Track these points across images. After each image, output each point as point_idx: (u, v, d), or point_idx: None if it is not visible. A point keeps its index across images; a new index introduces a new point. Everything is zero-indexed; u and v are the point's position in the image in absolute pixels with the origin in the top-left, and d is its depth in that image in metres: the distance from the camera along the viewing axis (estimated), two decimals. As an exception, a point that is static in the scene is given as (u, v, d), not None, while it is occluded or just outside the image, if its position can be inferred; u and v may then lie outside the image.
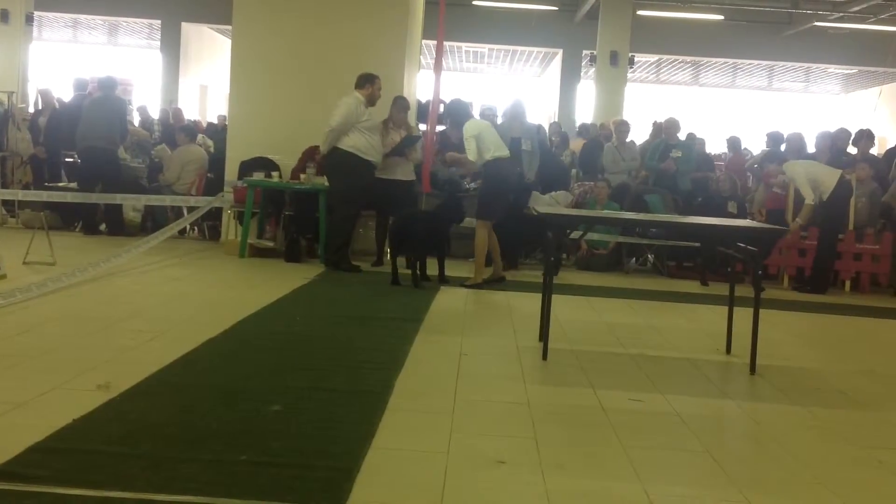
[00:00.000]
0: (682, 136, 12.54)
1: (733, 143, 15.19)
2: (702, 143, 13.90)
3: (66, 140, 11.98)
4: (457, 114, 9.91)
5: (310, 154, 10.34)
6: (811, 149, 12.04)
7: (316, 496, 3.26)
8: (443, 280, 8.96)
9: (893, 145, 12.02)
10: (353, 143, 9.34)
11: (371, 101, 9.49)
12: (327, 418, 4.20)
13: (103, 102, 11.52)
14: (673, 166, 11.66)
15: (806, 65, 26.08)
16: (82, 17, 25.39)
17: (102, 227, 11.43)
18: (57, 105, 13.70)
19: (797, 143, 11.87)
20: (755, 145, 17.41)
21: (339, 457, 3.67)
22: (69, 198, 10.99)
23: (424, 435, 4.10)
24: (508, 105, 11.02)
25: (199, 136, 13.84)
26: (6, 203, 12.07)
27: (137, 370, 4.78)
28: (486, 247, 8.95)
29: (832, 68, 26.53)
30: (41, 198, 11.21)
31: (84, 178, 11.50)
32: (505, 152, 9.10)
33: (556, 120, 19.60)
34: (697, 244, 10.72)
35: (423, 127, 11.37)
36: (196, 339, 5.65)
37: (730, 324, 6.45)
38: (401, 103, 10.14)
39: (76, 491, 3.15)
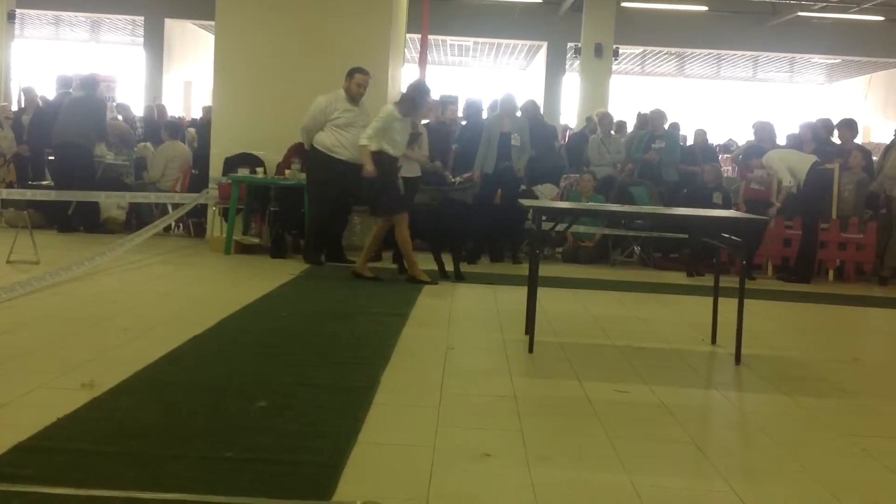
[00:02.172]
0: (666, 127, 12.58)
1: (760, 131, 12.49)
2: (702, 133, 13.91)
3: (49, 138, 11.92)
4: (473, 111, 9.87)
5: (295, 150, 10.31)
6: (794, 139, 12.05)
7: (302, 491, 3.25)
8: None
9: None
10: (321, 140, 9.31)
11: (351, 96, 9.36)
12: (313, 414, 4.20)
13: (83, 101, 11.46)
14: (655, 157, 11.69)
15: (790, 55, 26.16)
16: (65, 14, 25.25)
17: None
18: (40, 103, 13.62)
19: (768, 133, 11.86)
20: (741, 136, 17.49)
21: (326, 452, 3.67)
22: (53, 196, 10.94)
23: (410, 429, 4.11)
24: (499, 99, 11.04)
25: (190, 130, 13.77)
26: (-11, 202, 12.01)
27: (122, 368, 4.76)
28: (408, 241, 8.66)
29: (816, 58, 26.61)
30: (25, 196, 11.17)
31: (59, 175, 11.47)
32: (386, 146, 8.59)
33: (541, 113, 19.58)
34: (683, 235, 10.76)
35: None
36: (181, 336, 5.64)
37: (715, 314, 6.48)
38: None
39: (61, 490, 3.14)
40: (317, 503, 3.18)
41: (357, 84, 9.35)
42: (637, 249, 11.71)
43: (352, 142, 9.21)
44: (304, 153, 9.93)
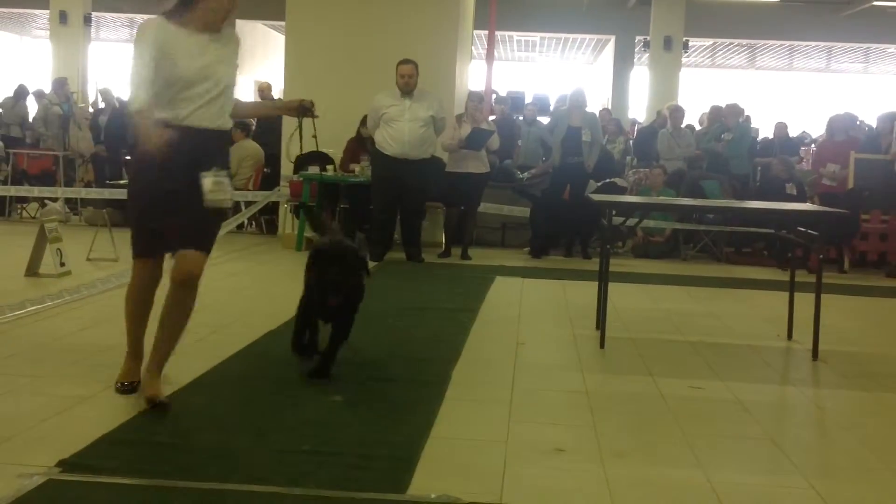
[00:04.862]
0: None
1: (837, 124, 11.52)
2: (783, 126, 13.77)
3: (125, 138, 12.20)
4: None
5: (354, 144, 10.43)
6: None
7: (377, 485, 3.29)
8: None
9: None
10: (376, 136, 9.36)
11: (400, 88, 9.26)
12: (387, 408, 4.24)
13: None
14: (720, 147, 11.61)
15: (865, 45, 25.52)
16: (138, 17, 25.74)
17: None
18: (117, 104, 13.94)
19: (840, 125, 11.40)
20: (814, 129, 17.17)
21: (400, 446, 3.70)
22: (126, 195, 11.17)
23: (483, 424, 4.11)
24: (569, 94, 11.03)
25: None
26: (69, 201, 12.33)
27: (199, 363, 4.86)
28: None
29: (892, 48, 25.93)
30: (103, 195, 11.44)
31: None
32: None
33: (609, 107, 19.45)
34: (754, 229, 10.60)
35: None
36: (256, 331, 5.73)
37: (791, 309, 6.36)
38: (471, 95, 10.24)
39: (144, 481, 3.23)
40: (392, 496, 3.21)
41: (399, 75, 9.26)
42: (709, 243, 11.56)
43: (398, 136, 9.18)
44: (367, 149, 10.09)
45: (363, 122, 10.22)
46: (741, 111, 12.20)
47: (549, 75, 30.72)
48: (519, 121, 14.14)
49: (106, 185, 12.18)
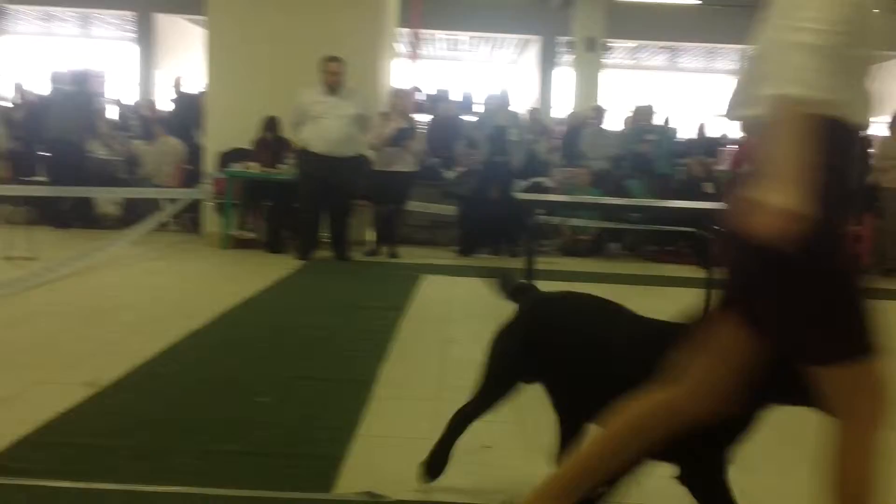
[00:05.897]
0: (657, 121, 12.68)
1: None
2: (703, 127, 14.12)
3: (41, 134, 11.92)
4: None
5: (259, 142, 10.39)
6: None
7: (303, 484, 3.28)
8: None
9: None
10: (302, 134, 9.31)
11: (328, 85, 9.27)
12: (313, 407, 4.22)
13: (74, 97, 11.47)
14: (647, 148, 11.83)
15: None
16: (54, 9, 25.14)
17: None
18: (36, 100, 13.60)
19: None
20: (735, 130, 17.52)
21: (326, 445, 3.69)
22: (48, 192, 10.92)
23: (410, 422, 4.12)
24: (495, 94, 11.15)
25: None
26: (-16, 199, 11.99)
27: (123, 363, 4.77)
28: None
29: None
30: (20, 193, 11.15)
31: (53, 171, 11.47)
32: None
33: (538, 107, 19.62)
34: (676, 228, 10.81)
35: None
36: (180, 331, 5.65)
37: (708, 306, 6.47)
38: (396, 92, 10.24)
39: (65, 483, 3.16)
40: (318, 495, 3.21)
41: (327, 72, 9.24)
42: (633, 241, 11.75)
43: (324, 133, 9.15)
44: (271, 144, 10.10)
45: (266, 125, 10.19)
46: (652, 110, 12.47)
47: (475, 74, 30.85)
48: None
49: (20, 181, 11.87)
